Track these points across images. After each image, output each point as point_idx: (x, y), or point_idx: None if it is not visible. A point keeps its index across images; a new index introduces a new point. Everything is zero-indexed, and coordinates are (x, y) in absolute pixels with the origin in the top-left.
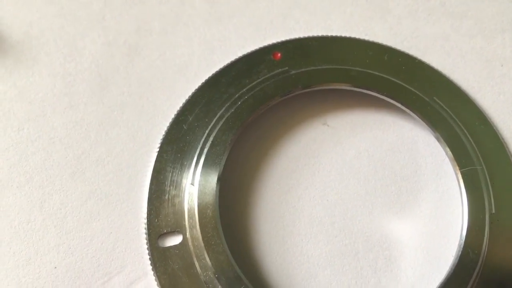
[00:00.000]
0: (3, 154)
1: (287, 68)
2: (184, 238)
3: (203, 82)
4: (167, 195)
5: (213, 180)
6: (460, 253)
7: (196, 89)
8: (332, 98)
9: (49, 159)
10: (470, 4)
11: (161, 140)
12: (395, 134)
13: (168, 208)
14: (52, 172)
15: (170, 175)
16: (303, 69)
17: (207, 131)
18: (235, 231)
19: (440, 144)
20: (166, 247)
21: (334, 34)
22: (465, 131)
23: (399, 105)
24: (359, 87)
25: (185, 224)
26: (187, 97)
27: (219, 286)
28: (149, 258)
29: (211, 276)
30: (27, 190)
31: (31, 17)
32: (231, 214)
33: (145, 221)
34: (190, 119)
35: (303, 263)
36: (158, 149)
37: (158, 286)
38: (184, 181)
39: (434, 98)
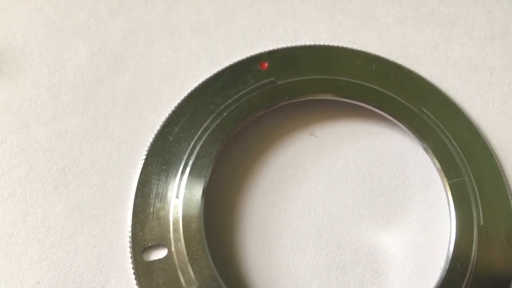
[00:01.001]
0: None
1: (273, 78)
2: (169, 252)
3: (189, 93)
4: (152, 208)
5: (198, 192)
6: (448, 266)
7: (182, 100)
8: (319, 109)
9: (32, 172)
10: (459, 12)
11: (147, 152)
12: (383, 144)
13: (153, 221)
14: (35, 185)
15: (155, 188)
16: (290, 80)
17: (192, 143)
18: (220, 244)
19: (428, 155)
20: (150, 261)
21: (322, 43)
22: (454, 141)
23: (386, 115)
24: (346, 98)
25: (170, 238)
26: (173, 108)
27: None
28: (134, 272)
29: None
30: (10, 204)
31: (15, 28)
32: (217, 227)
33: (130, 234)
34: (176, 130)
35: (289, 276)
36: (143, 161)
37: None
38: (169, 193)
39: (422, 108)
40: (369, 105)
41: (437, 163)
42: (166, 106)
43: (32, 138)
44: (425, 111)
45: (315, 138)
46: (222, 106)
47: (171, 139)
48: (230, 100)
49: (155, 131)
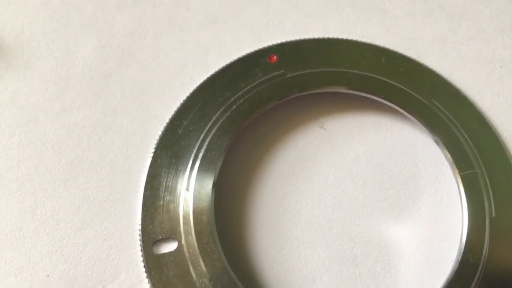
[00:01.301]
0: None
1: (283, 71)
2: (179, 245)
3: (198, 86)
4: (161, 201)
5: (208, 185)
6: (460, 258)
7: (191, 93)
8: (329, 101)
9: (41, 165)
10: (468, 5)
11: (156, 145)
12: (393, 137)
13: (163, 214)
14: (44, 179)
15: (165, 181)
16: (299, 72)
17: (202, 136)
18: (231, 237)
19: (439, 147)
20: (161, 254)
21: (330, 36)
22: (464, 134)
23: (397, 108)
24: (356, 90)
25: (180, 231)
26: (181, 101)
27: None
28: (144, 266)
29: (207, 283)
30: (19, 197)
31: (22, 21)
32: (227, 220)
33: (140, 227)
34: (185, 123)
35: (300, 269)
36: (152, 154)
37: None
38: (179, 186)
39: (433, 100)
40: (379, 97)
41: (448, 155)
42: (175, 99)
43: (40, 131)
44: (436, 103)
45: (325, 131)
46: (232, 99)
47: (180, 132)
48: (239, 93)
49: (164, 124)
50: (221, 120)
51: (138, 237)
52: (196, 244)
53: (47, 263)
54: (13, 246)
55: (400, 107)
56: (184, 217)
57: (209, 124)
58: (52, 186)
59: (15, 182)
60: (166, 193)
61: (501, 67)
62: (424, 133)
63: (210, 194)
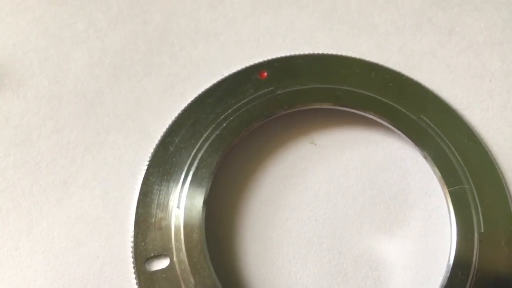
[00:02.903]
0: None
1: (273, 88)
2: (171, 262)
3: (189, 103)
4: (153, 218)
5: (199, 202)
6: (449, 273)
7: (182, 110)
8: (319, 117)
9: (35, 184)
10: (458, 19)
11: (148, 162)
12: (383, 152)
13: (154, 232)
14: (39, 198)
15: (157, 198)
16: (289, 89)
17: (193, 153)
18: (222, 254)
19: (428, 162)
20: (153, 271)
21: (320, 51)
22: (453, 149)
23: (386, 123)
24: (345, 106)
25: (172, 248)
26: (173, 118)
27: None
28: (136, 283)
29: None
30: (15, 217)
31: (14, 39)
32: (218, 237)
33: (132, 244)
34: (177, 140)
35: (291, 285)
36: (144, 172)
37: None
38: (170, 203)
39: (422, 116)
40: (368, 113)
41: (437, 171)
42: (167, 117)
43: (35, 150)
44: (425, 118)
45: (315, 147)
46: (222, 116)
47: (171, 149)
48: (230, 110)
49: (156, 142)
50: (212, 137)
51: (131, 254)
52: (187, 261)
53: (42, 281)
54: (9, 265)
55: (389, 123)
56: (175, 234)
57: (200, 141)
58: (47, 205)
59: (11, 202)
60: (158, 210)
61: (490, 81)
62: (413, 149)
63: (200, 211)
